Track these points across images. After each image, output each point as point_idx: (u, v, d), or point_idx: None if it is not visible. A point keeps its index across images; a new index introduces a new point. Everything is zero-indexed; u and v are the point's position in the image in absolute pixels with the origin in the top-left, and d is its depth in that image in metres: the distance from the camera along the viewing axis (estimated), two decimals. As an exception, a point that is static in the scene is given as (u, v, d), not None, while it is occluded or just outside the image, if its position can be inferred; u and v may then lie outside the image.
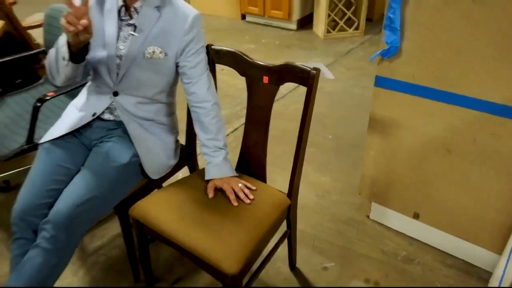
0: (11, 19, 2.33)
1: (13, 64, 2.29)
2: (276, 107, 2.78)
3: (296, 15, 4.18)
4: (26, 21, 2.70)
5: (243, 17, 4.52)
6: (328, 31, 4.06)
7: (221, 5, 4.58)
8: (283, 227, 1.42)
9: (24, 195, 1.25)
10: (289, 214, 1.37)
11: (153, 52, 1.29)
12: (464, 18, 1.26)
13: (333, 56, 3.62)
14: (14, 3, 2.92)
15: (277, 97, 2.88)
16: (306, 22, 4.32)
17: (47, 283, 1.20)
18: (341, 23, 4.08)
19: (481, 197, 1.49)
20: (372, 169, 1.74)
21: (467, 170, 1.48)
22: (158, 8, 1.30)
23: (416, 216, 1.71)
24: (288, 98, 2.93)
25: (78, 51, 1.18)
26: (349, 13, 4.07)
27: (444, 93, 1.41)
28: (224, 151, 1.36)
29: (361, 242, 1.77)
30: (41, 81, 2.06)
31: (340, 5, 4.00)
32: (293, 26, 4.25)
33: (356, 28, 4.13)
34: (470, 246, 1.61)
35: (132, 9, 1.29)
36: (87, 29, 1.08)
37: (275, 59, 3.55)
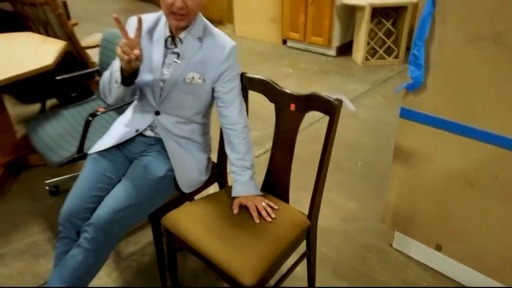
0: (72, 40, 2.59)
1: (71, 80, 2.54)
2: (310, 131, 2.90)
3: (335, 42, 4.28)
4: (84, 41, 2.97)
5: (284, 42, 4.67)
6: (367, 59, 4.12)
7: (264, 30, 4.77)
8: (303, 247, 1.49)
9: (71, 199, 1.40)
10: (309, 235, 1.44)
11: (193, 77, 1.43)
12: (487, 57, 1.32)
13: (370, 83, 3.67)
14: (76, 24, 3.22)
15: (310, 121, 2.99)
16: (345, 49, 4.41)
17: (84, 280, 1.34)
18: (381, 51, 4.13)
19: (504, 234, 1.49)
20: (395, 197, 1.78)
21: (490, 205, 1.50)
22: (200, 39, 1.44)
23: (438, 248, 1.73)
24: (322, 122, 3.01)
25: (129, 75, 1.34)
26: (389, 42, 4.12)
27: (467, 128, 1.45)
28: (251, 171, 1.46)
29: (382, 270, 1.79)
30: (93, 96, 2.27)
31: (380, 34, 4.07)
32: (333, 52, 4.34)
33: (396, 57, 4.17)
34: (493, 283, 1.60)
35: (177, 39, 1.44)
36: (138, 58, 1.24)
37: (311, 84, 3.66)
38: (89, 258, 1.33)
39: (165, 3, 1.34)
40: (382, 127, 2.98)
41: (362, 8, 3.97)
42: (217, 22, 5.21)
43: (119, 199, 1.36)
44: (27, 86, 3.30)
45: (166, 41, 1.45)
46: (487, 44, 1.30)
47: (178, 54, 1.43)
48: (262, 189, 1.52)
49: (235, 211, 1.39)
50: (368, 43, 4.07)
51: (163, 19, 1.46)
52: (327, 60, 4.25)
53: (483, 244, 1.57)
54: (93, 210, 1.38)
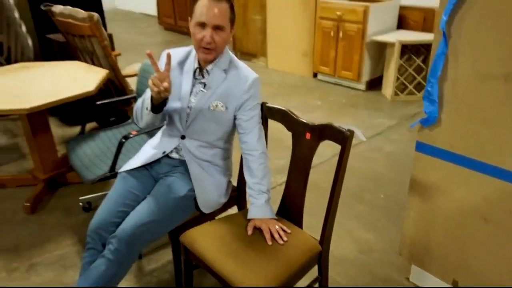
0: (114, 69, 2.81)
1: (110, 105, 2.74)
2: (333, 161, 2.93)
3: (365, 77, 4.36)
4: (125, 70, 3.20)
5: (315, 75, 4.79)
6: (396, 94, 4.16)
7: (295, 63, 4.92)
8: (316, 272, 1.53)
9: (100, 213, 1.53)
10: (320, 260, 1.49)
11: (216, 105, 1.55)
12: (497, 96, 1.36)
13: (398, 118, 3.69)
14: (119, 54, 3.48)
15: (334, 152, 3.04)
16: (375, 84, 4.47)
17: (106, 288, 1.44)
18: (411, 87, 4.16)
19: (519, 271, 1.48)
20: (412, 230, 1.79)
21: (506, 241, 1.49)
22: (225, 70, 1.57)
23: (455, 283, 1.71)
24: (346, 154, 3.05)
25: (158, 104, 1.48)
26: (419, 78, 4.15)
27: (480, 164, 1.47)
28: (267, 195, 1.54)
29: (397, 303, 1.79)
30: (129, 121, 2.45)
31: (410, 70, 4.11)
32: (362, 86, 4.41)
33: (426, 93, 4.17)
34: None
35: (204, 70, 1.57)
36: (167, 90, 1.38)
37: (338, 117, 3.72)
38: (112, 268, 1.43)
39: (196, 38, 1.49)
40: (407, 161, 2.99)
41: (392, 45, 4.05)
42: (251, 55, 5.43)
43: (143, 215, 1.47)
44: (72, 110, 3.56)
45: (194, 72, 1.59)
46: (497, 83, 1.35)
47: (204, 84, 1.56)
48: (277, 214, 1.59)
49: (249, 232, 1.46)
50: (398, 78, 4.12)
51: (193, 52, 1.60)
52: (356, 94, 4.31)
53: (500, 281, 1.55)
54: (119, 224, 1.49)
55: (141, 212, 1.49)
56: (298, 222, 1.56)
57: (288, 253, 1.38)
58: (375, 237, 2.20)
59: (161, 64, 1.49)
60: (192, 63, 1.59)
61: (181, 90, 1.58)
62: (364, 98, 4.23)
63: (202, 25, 1.46)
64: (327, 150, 3.11)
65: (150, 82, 1.39)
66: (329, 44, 4.44)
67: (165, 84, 1.37)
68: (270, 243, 1.42)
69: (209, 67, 1.57)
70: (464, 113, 1.47)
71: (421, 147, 1.64)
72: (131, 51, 5.83)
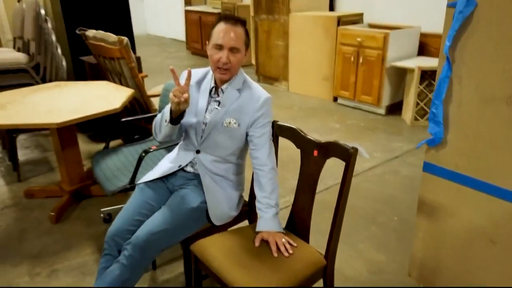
0: (140, 89, 2.97)
1: (134, 123, 2.89)
2: (349, 184, 2.96)
3: (385, 101, 4.39)
4: (150, 91, 3.37)
5: (335, 99, 4.86)
6: (416, 119, 4.17)
7: (316, 87, 5.02)
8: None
9: (117, 221, 1.63)
10: (325, 275, 1.52)
11: (229, 122, 1.64)
12: (500, 118, 1.39)
13: (416, 142, 3.69)
14: (146, 76, 3.67)
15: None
16: (395, 109, 4.49)
17: (119, 293, 1.52)
18: (431, 112, 4.17)
19: (527, 294, 1.47)
20: (421, 251, 1.80)
21: (513, 264, 1.49)
22: (239, 90, 1.67)
23: (464, 306, 1.70)
24: (362, 176, 3.08)
25: (177, 117, 1.59)
26: (439, 104, 4.15)
27: (486, 185, 1.49)
28: (275, 209, 1.60)
29: (405, 324, 1.78)
30: (150, 138, 2.57)
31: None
32: (382, 111, 4.44)
33: (446, 118, 4.16)
34: None
35: (219, 89, 1.68)
36: (186, 101, 1.49)
37: (355, 139, 3.76)
38: (125, 273, 1.51)
39: (213, 59, 1.60)
40: (424, 185, 2.98)
41: (411, 70, 4.10)
42: (273, 79, 5.57)
43: (156, 223, 1.56)
44: (100, 128, 3.75)
45: (211, 91, 1.69)
46: (500, 105, 1.39)
47: (219, 102, 1.66)
48: (285, 228, 1.64)
49: (257, 244, 1.52)
50: (418, 103, 4.14)
51: (210, 73, 1.72)
52: (375, 118, 4.35)
53: (508, 306, 1.53)
54: (135, 232, 1.58)
55: (155, 220, 1.58)
56: (305, 237, 1.61)
57: (292, 265, 1.43)
58: (386, 258, 2.20)
59: (182, 80, 1.61)
60: (209, 83, 1.70)
61: (197, 107, 1.68)
62: (383, 122, 4.25)
63: (220, 47, 1.58)
64: (342, 171, 3.14)
65: (171, 94, 1.50)
66: (349, 69, 4.52)
67: (185, 95, 1.48)
68: (275, 255, 1.47)
69: (224, 87, 1.67)
70: (469, 134, 1.50)
71: (428, 167, 1.67)
72: (159, 73, 6.08)
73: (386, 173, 3.16)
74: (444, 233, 1.68)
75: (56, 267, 2.12)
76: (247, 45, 1.65)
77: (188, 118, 1.68)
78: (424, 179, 1.70)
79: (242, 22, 1.63)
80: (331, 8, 5.47)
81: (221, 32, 1.57)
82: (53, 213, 2.49)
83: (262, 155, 1.64)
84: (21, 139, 3.82)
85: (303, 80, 5.15)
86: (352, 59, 4.45)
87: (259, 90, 1.69)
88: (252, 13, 5.57)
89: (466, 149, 1.52)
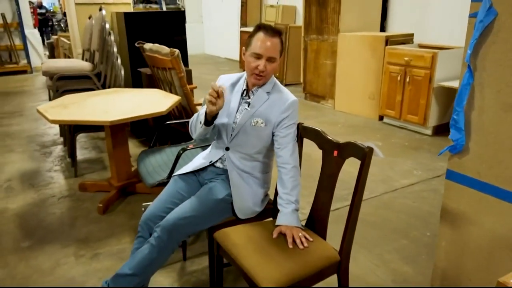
0: (187, 97, 3.20)
1: (181, 129, 3.10)
2: (385, 198, 2.97)
3: (432, 122, 4.31)
4: (197, 101, 3.59)
5: (381, 118, 4.84)
6: (464, 140, 4.04)
7: (361, 106, 5.03)
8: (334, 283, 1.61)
9: (151, 207, 1.79)
10: (339, 271, 1.57)
11: (257, 122, 1.76)
12: (520, 125, 1.40)
13: (462, 164, 3.59)
14: (195, 87, 3.91)
15: (388, 189, 3.08)
16: (443, 130, 4.39)
17: (147, 269, 1.68)
18: (480, 134, 4.03)
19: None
20: (443, 260, 1.79)
21: (535, 277, 1.45)
22: (268, 93, 1.80)
23: (486, 321, 1.66)
24: (399, 192, 3.05)
25: (211, 118, 1.73)
26: (490, 126, 4.01)
27: (508, 193, 1.48)
28: (294, 205, 1.68)
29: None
30: (192, 141, 2.76)
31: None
32: (428, 131, 4.36)
33: (497, 141, 4.00)
34: None
35: (250, 92, 1.82)
36: (219, 103, 1.63)
37: (396, 157, 3.73)
38: (153, 253, 1.66)
39: (250, 66, 1.74)
40: (463, 205, 2.90)
41: (460, 90, 4.01)
42: (320, 97, 5.65)
43: (185, 210, 1.70)
44: (151, 133, 4.03)
45: (242, 93, 1.83)
46: (520, 111, 1.39)
47: (249, 103, 1.80)
48: (305, 226, 1.71)
49: (274, 235, 1.61)
50: (466, 125, 4.02)
51: (244, 76, 1.86)
52: (421, 138, 4.27)
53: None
54: (165, 217, 1.73)
55: (184, 207, 1.72)
56: (322, 234, 1.67)
57: (306, 256, 1.50)
58: (413, 270, 2.18)
59: (219, 83, 1.78)
60: (241, 85, 1.85)
61: (229, 107, 1.83)
62: (429, 142, 4.17)
63: (258, 56, 1.71)
64: (379, 186, 3.14)
65: (207, 95, 1.65)
66: (396, 88, 4.50)
67: (220, 101, 1.63)
68: (291, 246, 1.55)
69: (254, 89, 1.81)
70: (490, 141, 1.51)
71: (451, 174, 1.68)
72: (209, 89, 6.38)
73: (425, 191, 3.11)
74: (466, 243, 1.67)
75: (99, 251, 2.33)
76: (281, 53, 1.78)
77: (221, 118, 1.83)
78: (447, 187, 1.71)
79: (279, 33, 1.77)
80: (382, 29, 5.50)
81: (259, 41, 1.70)
82: (101, 205, 2.73)
83: (286, 154, 1.74)
84: (81, 140, 4.21)
85: (349, 98, 5.19)
86: (399, 78, 4.44)
87: (287, 94, 1.81)
88: (303, 34, 5.74)
89: (487, 156, 1.53)
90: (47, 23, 14.12)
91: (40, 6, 14.11)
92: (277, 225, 1.66)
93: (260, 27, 1.74)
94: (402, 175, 3.36)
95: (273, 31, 1.72)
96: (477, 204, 1.60)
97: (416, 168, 3.51)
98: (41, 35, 11.45)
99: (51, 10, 15.38)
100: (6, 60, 8.47)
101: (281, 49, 1.77)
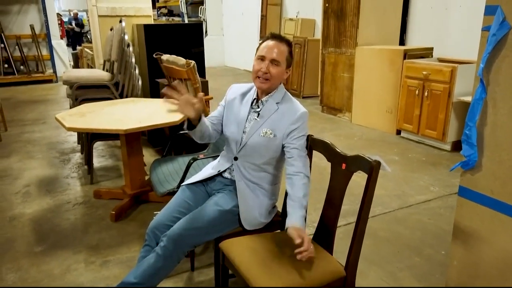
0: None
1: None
2: (399, 213, 2.91)
3: (451, 137, 4.21)
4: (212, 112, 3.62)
5: (398, 132, 4.76)
6: (484, 157, 3.93)
7: (378, 120, 4.97)
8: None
9: (159, 216, 1.80)
10: (344, 287, 1.54)
11: (266, 132, 1.76)
12: (534, 141, 1.35)
13: (481, 181, 3.49)
14: (211, 98, 3.95)
15: (402, 204, 3.01)
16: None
17: (153, 278, 1.68)
18: (501, 151, 3.91)
19: None
20: (455, 280, 1.73)
21: (551, 300, 1.39)
22: (278, 103, 1.80)
23: None
24: (413, 208, 2.98)
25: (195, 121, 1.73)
26: (511, 142, 3.89)
27: (521, 211, 1.43)
28: (305, 211, 1.63)
29: None
30: (204, 150, 2.77)
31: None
32: (447, 147, 4.26)
33: (519, 159, 3.88)
34: None
35: (260, 101, 1.82)
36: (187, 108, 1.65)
37: (413, 172, 3.66)
38: (159, 262, 1.66)
39: (254, 69, 1.77)
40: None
41: (480, 105, 3.92)
42: (337, 110, 5.61)
43: (191, 220, 1.71)
44: (167, 142, 4.07)
45: (252, 102, 1.84)
46: (534, 127, 1.35)
47: (258, 113, 1.80)
48: (312, 238, 1.69)
49: (298, 241, 1.43)
50: (486, 141, 3.92)
51: (254, 87, 1.87)
52: (439, 154, 4.18)
53: None
54: (171, 227, 1.74)
55: (190, 218, 1.72)
56: (329, 248, 1.64)
57: (310, 270, 1.47)
58: (425, 289, 2.11)
59: (228, 94, 1.81)
60: (252, 95, 1.86)
61: (239, 116, 1.83)
62: (448, 158, 4.07)
63: (262, 58, 1.74)
64: (393, 201, 3.08)
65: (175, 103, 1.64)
66: (414, 102, 4.43)
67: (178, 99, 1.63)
68: (299, 241, 1.42)
69: (264, 99, 1.81)
70: (504, 158, 1.47)
71: (463, 191, 1.63)
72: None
73: (441, 207, 3.02)
74: (479, 262, 1.61)
75: (109, 258, 2.35)
76: (289, 63, 1.79)
77: (230, 127, 1.84)
78: (459, 204, 1.66)
79: (287, 42, 1.78)
80: (402, 42, 5.45)
81: (265, 46, 1.74)
82: (113, 212, 2.76)
83: (299, 164, 1.70)
84: (99, 148, 4.29)
85: (366, 111, 5.14)
86: (417, 92, 4.37)
87: (297, 105, 1.80)
88: (321, 47, 5.74)
89: (501, 173, 1.48)
90: (82, 36, 14.45)
91: (76, 17, 14.54)
92: (294, 227, 1.51)
93: (269, 35, 1.77)
94: (418, 191, 3.28)
95: (281, 38, 1.76)
96: (489, 223, 1.55)
97: (433, 184, 3.43)
98: (74, 47, 11.80)
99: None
100: (33, 70, 8.76)
101: (288, 57, 1.77)
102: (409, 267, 2.31)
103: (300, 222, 1.57)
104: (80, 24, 14.45)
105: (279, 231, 1.80)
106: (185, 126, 1.77)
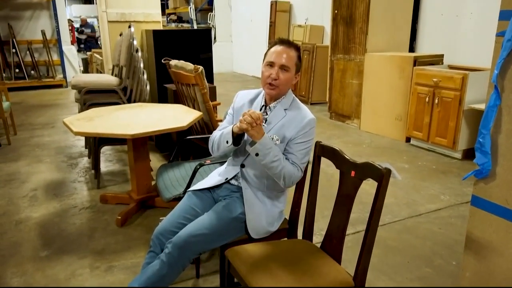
0: (209, 113, 3.21)
1: (202, 145, 3.10)
2: (409, 222, 2.85)
3: (462, 145, 4.15)
4: (220, 117, 3.61)
5: (408, 140, 4.70)
6: (496, 166, 3.86)
7: (388, 127, 4.91)
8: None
9: (164, 222, 1.78)
10: (353, 298, 1.50)
11: (272, 138, 1.73)
12: (551, 150, 1.31)
13: (493, 190, 3.42)
14: (219, 104, 3.94)
15: (412, 213, 2.96)
16: (474, 153, 4.21)
17: (157, 285, 1.64)
18: (514, 160, 3.84)
19: None
20: (467, 293, 1.68)
21: None
22: (286, 110, 1.77)
23: None
24: (424, 217, 2.93)
25: (237, 136, 1.71)
26: (524, 151, 3.82)
27: (537, 222, 1.38)
28: (272, 157, 1.64)
29: None
30: (211, 156, 2.75)
31: None
32: (458, 155, 4.19)
33: (532, 168, 3.80)
34: None
35: (268, 108, 1.80)
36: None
37: (423, 181, 3.60)
38: (163, 269, 1.64)
39: (264, 76, 1.74)
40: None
41: (492, 113, 3.86)
42: (345, 117, 5.57)
43: (197, 227, 1.68)
44: (175, 148, 4.07)
45: (260, 109, 1.82)
46: (551, 136, 1.31)
47: (266, 120, 1.78)
48: (320, 247, 1.65)
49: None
50: (498, 149, 3.85)
51: (262, 93, 1.85)
52: (449, 162, 4.11)
53: None
54: (176, 233, 1.71)
55: (196, 224, 1.70)
56: (338, 257, 1.60)
57: (317, 279, 1.44)
58: (436, 301, 2.06)
59: (235, 102, 1.77)
60: (260, 101, 1.84)
61: (247, 124, 1.81)
62: (459, 166, 4.01)
63: (271, 64, 1.71)
64: (403, 210, 3.02)
65: (245, 115, 1.60)
66: (424, 109, 4.38)
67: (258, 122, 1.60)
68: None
69: (272, 105, 1.79)
70: (519, 167, 1.42)
71: (476, 201, 1.59)
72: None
73: (453, 217, 2.96)
74: (492, 274, 1.56)
75: (114, 264, 2.33)
76: (298, 68, 1.77)
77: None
78: (472, 213, 1.61)
79: (296, 47, 1.76)
80: (411, 49, 5.41)
81: (274, 52, 1.72)
82: (119, 217, 2.74)
83: (296, 160, 1.71)
84: (107, 153, 4.29)
85: (375, 118, 5.09)
86: (427, 99, 4.32)
87: (305, 111, 1.77)
88: (329, 53, 5.72)
89: (516, 182, 1.43)
90: (96, 40, 14.59)
91: (85, 24, 14.71)
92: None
93: (276, 41, 1.75)
94: (428, 200, 3.22)
95: (289, 43, 1.73)
96: (504, 234, 1.50)
97: (443, 192, 3.37)
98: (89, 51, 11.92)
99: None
100: (43, 75, 8.84)
101: (297, 62, 1.75)
102: (419, 277, 2.26)
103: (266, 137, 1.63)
104: (91, 27, 14.64)
105: (285, 239, 1.77)
106: (229, 143, 1.72)
